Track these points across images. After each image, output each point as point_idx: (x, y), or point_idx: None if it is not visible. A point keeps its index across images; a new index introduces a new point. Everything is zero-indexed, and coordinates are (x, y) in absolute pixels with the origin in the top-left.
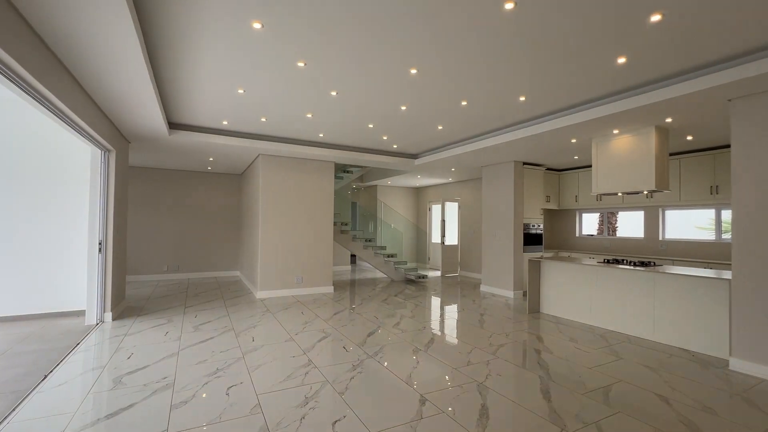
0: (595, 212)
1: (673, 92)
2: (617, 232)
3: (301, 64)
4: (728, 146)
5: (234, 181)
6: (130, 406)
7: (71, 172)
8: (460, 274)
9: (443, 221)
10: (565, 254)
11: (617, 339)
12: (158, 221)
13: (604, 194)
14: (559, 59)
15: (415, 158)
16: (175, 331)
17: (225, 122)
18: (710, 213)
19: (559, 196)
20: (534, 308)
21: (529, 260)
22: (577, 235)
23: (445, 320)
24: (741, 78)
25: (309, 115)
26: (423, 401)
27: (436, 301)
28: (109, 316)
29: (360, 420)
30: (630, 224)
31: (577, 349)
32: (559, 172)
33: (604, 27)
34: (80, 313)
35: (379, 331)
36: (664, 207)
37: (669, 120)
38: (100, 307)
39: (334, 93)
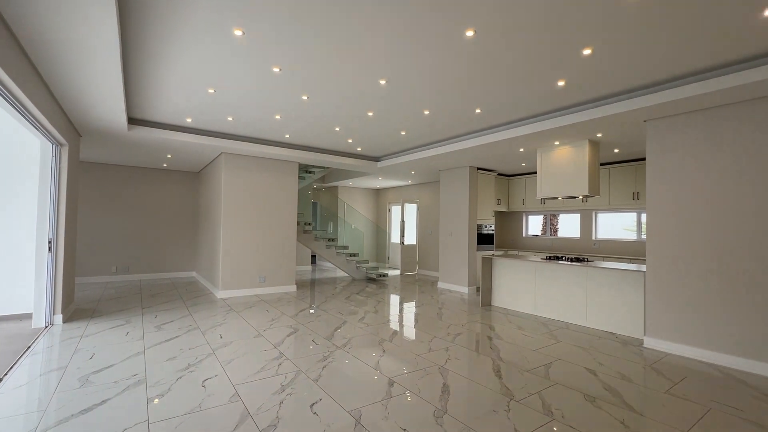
0: (540, 214)
1: (601, 112)
2: (558, 233)
3: (276, 69)
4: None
5: (191, 179)
6: (104, 401)
7: (17, 166)
8: (419, 273)
9: (402, 222)
10: (513, 252)
11: (557, 326)
12: (106, 219)
13: (547, 198)
14: (511, 79)
15: (378, 161)
16: (136, 332)
17: (189, 119)
18: (632, 216)
19: (509, 199)
20: (486, 302)
21: (483, 258)
22: (523, 235)
23: (406, 314)
24: (653, 104)
25: (277, 117)
26: (391, 383)
27: (396, 298)
28: (59, 318)
29: (335, 401)
30: (568, 225)
31: (524, 336)
32: (509, 177)
33: (546, 56)
34: (25, 317)
35: (345, 325)
36: (596, 210)
37: (599, 135)
38: (49, 310)
39: (305, 97)
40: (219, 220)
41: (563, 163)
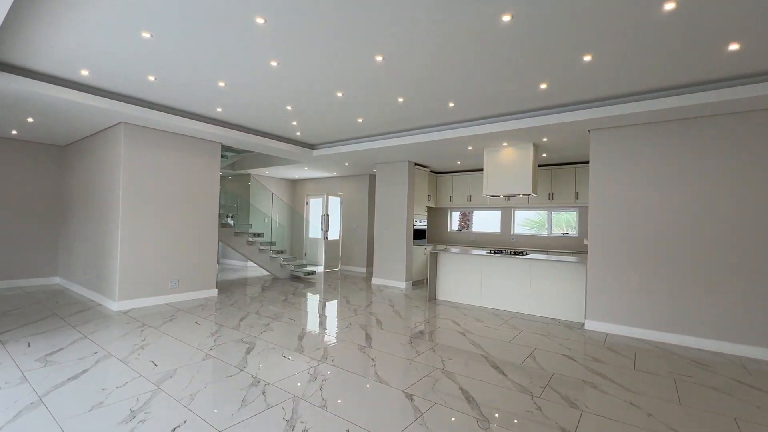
0: (463, 210)
1: (552, 120)
2: (471, 228)
3: (259, 21)
4: (587, 162)
5: (53, 154)
6: None
7: None
8: (341, 269)
9: (326, 216)
10: (442, 246)
11: (506, 315)
12: None
13: (492, 195)
14: (487, 78)
15: (314, 149)
16: (7, 371)
17: (85, 72)
18: (544, 214)
19: (437, 195)
20: (432, 296)
21: (429, 252)
22: (448, 230)
23: (363, 315)
24: (598, 116)
25: (221, 84)
26: (410, 397)
27: (340, 297)
28: None
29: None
30: (484, 221)
31: (488, 328)
32: (437, 174)
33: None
34: None
35: (308, 333)
36: (515, 208)
37: (545, 139)
38: None
39: (274, 63)
40: (115, 210)
41: (509, 163)
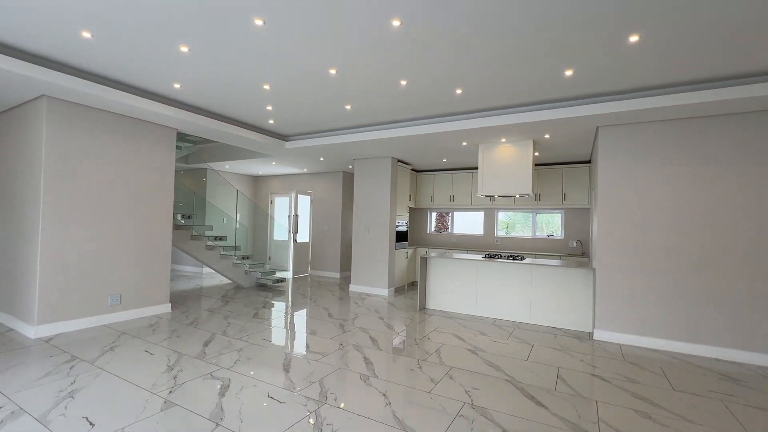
0: (442, 211)
1: (562, 114)
2: (453, 229)
3: None
4: (575, 162)
5: None
6: None
7: None
8: (311, 274)
9: (296, 216)
10: (421, 249)
11: (507, 326)
12: None
13: (487, 195)
14: (510, 61)
15: (287, 140)
16: None
17: None
18: (512, 215)
19: (417, 195)
20: (422, 305)
21: (420, 258)
22: (428, 231)
23: (353, 333)
24: (608, 111)
25: (184, 49)
26: (464, 413)
27: (318, 310)
28: None
29: None
30: (465, 223)
31: (497, 343)
32: (417, 173)
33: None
34: None
35: (293, 360)
36: (498, 209)
37: (547, 136)
38: None
39: (259, 22)
40: (33, 207)
41: (506, 161)
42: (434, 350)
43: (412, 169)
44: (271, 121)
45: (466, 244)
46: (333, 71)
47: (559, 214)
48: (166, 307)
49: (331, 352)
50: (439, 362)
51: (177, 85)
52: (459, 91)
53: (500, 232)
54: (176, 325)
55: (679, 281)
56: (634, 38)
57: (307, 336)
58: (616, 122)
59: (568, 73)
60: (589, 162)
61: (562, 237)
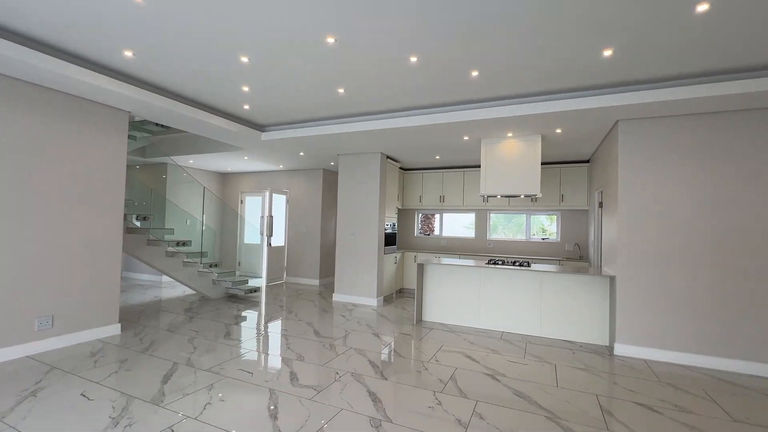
0: (427, 213)
1: (583, 104)
2: (442, 232)
3: None
4: (573, 162)
5: None
6: None
7: None
8: (287, 282)
9: (270, 217)
10: (409, 254)
11: (517, 340)
12: None
13: (490, 196)
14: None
15: (263, 131)
16: None
17: None
18: (523, 217)
19: (404, 195)
20: (418, 317)
21: (417, 264)
22: (415, 234)
23: (351, 357)
24: (633, 103)
25: (139, 0)
26: None
27: (302, 326)
28: None
29: None
30: (453, 226)
31: (513, 363)
32: (405, 171)
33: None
34: None
35: (281, 398)
36: (491, 210)
37: (559, 130)
38: None
39: None
40: None
41: (512, 157)
42: (448, 377)
43: (400, 168)
44: (246, 107)
45: (457, 247)
46: (331, 40)
47: (555, 216)
48: (115, 329)
49: (326, 385)
50: (459, 394)
51: (128, 53)
52: (475, 74)
53: (492, 235)
54: (126, 354)
55: (711, 290)
56: (703, 7)
57: (293, 362)
58: (641, 115)
59: (607, 53)
60: (588, 162)
61: (558, 240)
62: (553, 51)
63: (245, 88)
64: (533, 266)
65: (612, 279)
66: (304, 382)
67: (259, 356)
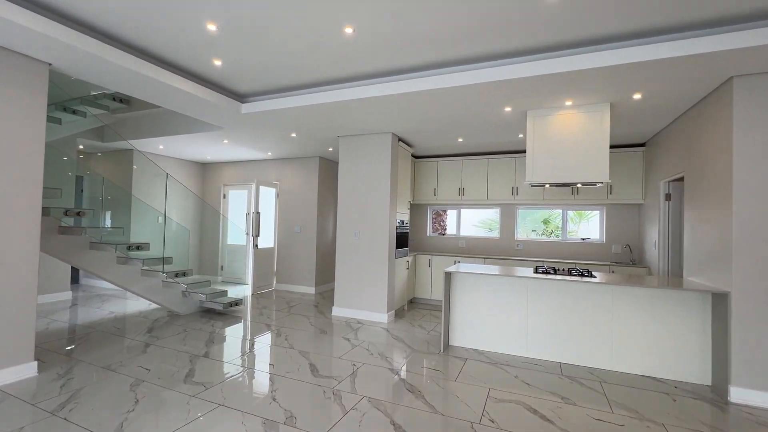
0: (438, 209)
1: (690, 48)
2: (448, 230)
3: None
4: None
5: None
6: None
7: None
8: (277, 289)
9: (256, 214)
10: (423, 257)
11: (585, 377)
12: None
13: (539, 184)
14: None
15: (243, 101)
16: None
17: None
18: (546, 213)
19: (415, 187)
20: (446, 341)
21: (445, 273)
22: (428, 234)
23: (353, 403)
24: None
25: None
26: None
27: (294, 353)
28: None
29: None
30: (468, 224)
31: (601, 422)
32: (416, 159)
33: None
34: None
35: None
36: (519, 206)
37: (638, 96)
38: None
39: None
40: None
41: (571, 135)
42: None
43: (412, 155)
44: (217, 62)
45: (478, 249)
46: None
47: (598, 212)
48: (28, 369)
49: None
50: None
51: None
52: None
53: (491, 233)
54: (33, 414)
55: None
56: None
57: (280, 429)
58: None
59: None
60: (643, 145)
61: (603, 241)
62: None
63: (211, 26)
64: (599, 279)
65: (721, 296)
66: (315, 416)
67: (230, 417)
